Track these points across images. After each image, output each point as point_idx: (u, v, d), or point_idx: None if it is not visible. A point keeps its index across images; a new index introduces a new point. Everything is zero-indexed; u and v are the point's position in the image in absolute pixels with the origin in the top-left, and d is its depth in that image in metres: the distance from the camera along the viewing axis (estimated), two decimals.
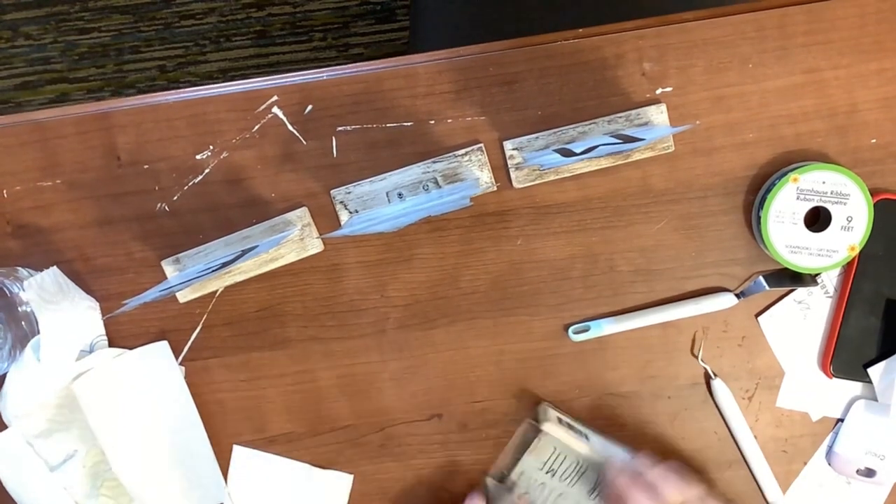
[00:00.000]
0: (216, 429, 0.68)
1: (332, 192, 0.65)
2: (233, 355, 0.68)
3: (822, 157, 0.64)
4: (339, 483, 0.68)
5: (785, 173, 0.62)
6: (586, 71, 0.64)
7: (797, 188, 0.62)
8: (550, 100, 0.64)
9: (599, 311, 0.67)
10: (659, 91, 0.64)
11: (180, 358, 0.67)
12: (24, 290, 0.62)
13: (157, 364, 0.66)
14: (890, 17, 0.62)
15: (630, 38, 0.63)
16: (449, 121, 0.64)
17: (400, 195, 0.64)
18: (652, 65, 0.63)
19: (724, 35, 0.63)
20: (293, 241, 0.65)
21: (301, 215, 0.65)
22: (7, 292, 0.63)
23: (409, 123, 0.64)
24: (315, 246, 0.65)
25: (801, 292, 0.66)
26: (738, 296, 0.66)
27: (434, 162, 0.64)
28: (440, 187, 0.64)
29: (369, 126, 0.65)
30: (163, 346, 0.66)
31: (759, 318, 0.67)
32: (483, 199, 0.65)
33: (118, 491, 0.66)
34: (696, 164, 0.65)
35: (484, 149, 0.64)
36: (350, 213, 0.64)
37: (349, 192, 0.64)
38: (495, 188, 0.65)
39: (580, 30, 0.64)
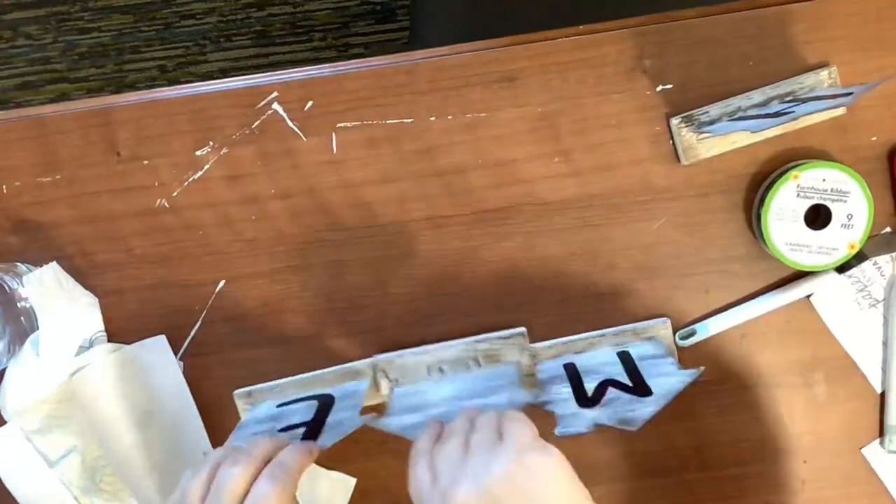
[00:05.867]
0: (215, 425, 0.67)
1: (375, 357, 0.65)
2: (232, 352, 0.67)
3: (822, 155, 0.64)
4: (341, 485, 0.68)
5: (785, 171, 0.62)
6: (587, 68, 0.64)
7: (797, 186, 0.61)
8: (551, 96, 0.64)
9: (599, 309, 0.67)
10: (660, 88, 0.64)
11: (179, 354, 0.67)
12: (23, 285, 0.62)
13: (156, 359, 0.66)
14: (890, 14, 0.62)
15: (631, 34, 0.63)
16: (450, 117, 0.64)
17: (441, 370, 0.65)
18: (653, 62, 0.63)
19: (725, 32, 0.63)
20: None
21: (371, 364, 0.65)
22: (6, 288, 0.63)
23: (409, 120, 0.64)
24: (381, 396, 0.66)
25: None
26: (839, 270, 0.65)
27: (477, 341, 0.65)
28: (480, 366, 0.64)
29: (370, 122, 0.65)
30: (160, 341, 0.66)
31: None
32: (483, 196, 0.65)
33: (117, 486, 0.66)
34: (696, 161, 0.65)
35: (526, 333, 0.64)
36: (390, 381, 0.65)
37: (391, 362, 0.65)
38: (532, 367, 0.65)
39: (581, 26, 0.64)
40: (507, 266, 0.66)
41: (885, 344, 0.66)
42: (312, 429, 0.59)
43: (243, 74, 0.65)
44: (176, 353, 0.67)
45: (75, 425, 0.65)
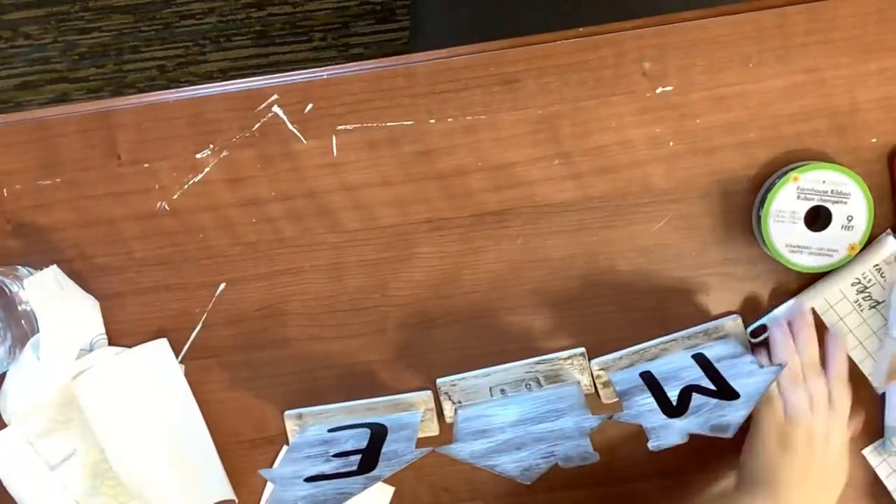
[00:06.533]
0: (216, 428, 0.68)
1: (437, 381, 0.66)
2: (233, 354, 0.68)
3: (822, 157, 0.64)
4: (380, 493, 0.68)
5: (785, 172, 0.62)
6: (586, 70, 0.63)
7: (797, 187, 0.61)
8: (551, 99, 0.64)
9: (599, 310, 0.67)
10: (659, 90, 0.64)
11: (180, 357, 0.67)
12: (23, 288, 0.62)
13: (157, 361, 0.66)
14: (890, 16, 0.62)
15: (630, 37, 0.63)
16: (449, 120, 0.64)
17: (502, 391, 0.66)
18: (652, 64, 0.63)
19: (725, 34, 0.63)
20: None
21: (426, 399, 0.66)
22: (7, 291, 0.63)
23: (409, 122, 0.64)
24: (432, 430, 0.67)
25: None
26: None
27: (537, 363, 0.66)
28: (542, 386, 0.66)
29: (369, 125, 0.65)
30: (162, 344, 0.66)
31: None
32: (483, 198, 0.65)
33: (118, 490, 0.66)
34: (696, 163, 0.65)
35: (585, 354, 0.65)
36: (454, 403, 0.66)
37: (454, 385, 0.66)
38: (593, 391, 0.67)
39: (580, 29, 0.64)
40: (507, 268, 0.66)
41: (886, 345, 0.66)
42: (368, 457, 0.58)
43: (243, 74, 0.65)
44: (177, 356, 0.67)
45: (76, 429, 0.65)
